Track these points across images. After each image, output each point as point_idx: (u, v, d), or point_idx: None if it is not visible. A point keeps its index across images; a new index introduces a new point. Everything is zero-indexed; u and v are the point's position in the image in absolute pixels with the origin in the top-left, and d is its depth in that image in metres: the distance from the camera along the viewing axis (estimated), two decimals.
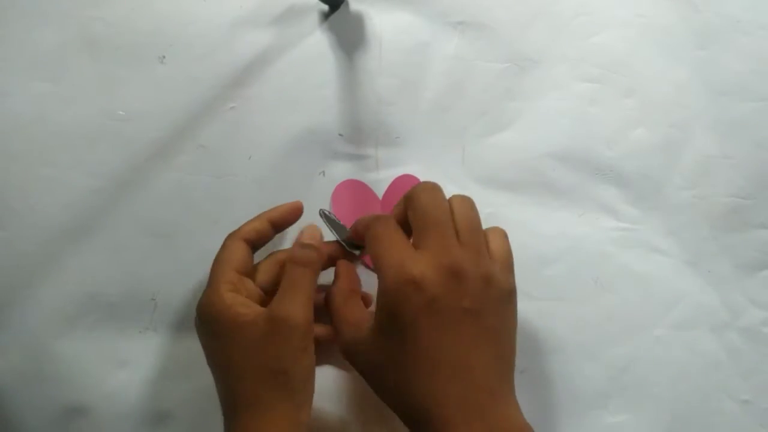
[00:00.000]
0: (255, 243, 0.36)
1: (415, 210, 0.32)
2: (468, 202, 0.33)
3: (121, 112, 0.41)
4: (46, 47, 0.41)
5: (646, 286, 0.40)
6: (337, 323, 0.35)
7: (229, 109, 0.41)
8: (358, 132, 0.42)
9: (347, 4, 0.43)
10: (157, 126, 0.41)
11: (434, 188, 0.33)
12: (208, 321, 0.33)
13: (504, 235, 0.35)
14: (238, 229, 0.36)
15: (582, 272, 0.41)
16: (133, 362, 0.38)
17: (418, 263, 0.30)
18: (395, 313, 0.30)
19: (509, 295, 0.33)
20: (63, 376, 0.38)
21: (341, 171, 0.42)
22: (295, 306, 0.32)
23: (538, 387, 0.40)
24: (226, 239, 0.36)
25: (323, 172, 0.41)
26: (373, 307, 0.35)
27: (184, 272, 0.39)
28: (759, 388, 0.40)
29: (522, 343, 0.40)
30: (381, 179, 0.42)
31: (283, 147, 0.41)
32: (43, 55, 0.41)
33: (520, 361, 0.40)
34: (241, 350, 0.32)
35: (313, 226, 0.37)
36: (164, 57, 0.42)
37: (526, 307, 0.40)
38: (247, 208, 0.40)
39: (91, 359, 0.38)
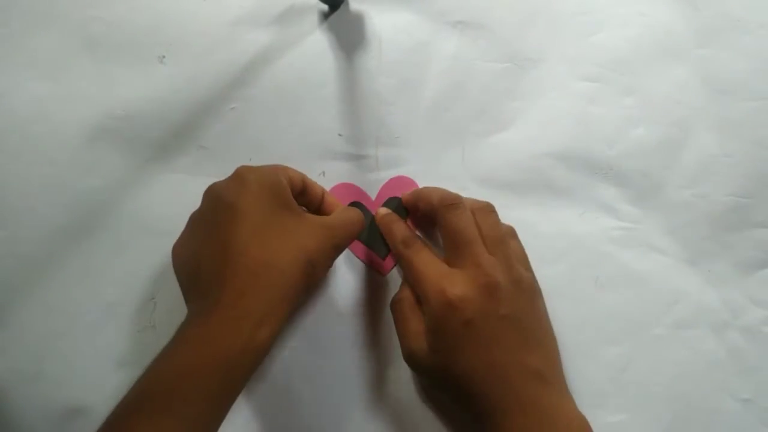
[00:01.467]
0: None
1: (446, 229, 0.36)
2: (489, 211, 0.37)
3: (120, 112, 0.41)
4: (45, 47, 0.41)
5: (645, 285, 0.40)
6: (400, 333, 0.36)
7: (229, 109, 0.41)
8: (358, 132, 0.42)
9: (347, 4, 0.43)
10: (157, 126, 0.41)
11: (458, 206, 0.36)
12: (259, 191, 0.33)
13: (515, 233, 0.38)
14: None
15: (582, 271, 0.41)
16: (133, 362, 0.38)
17: (456, 286, 0.33)
18: (440, 332, 0.33)
19: (535, 290, 0.36)
20: (63, 376, 0.38)
21: (341, 171, 0.42)
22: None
23: None
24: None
25: (323, 172, 0.41)
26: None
27: None
28: (759, 387, 0.40)
29: None
30: (381, 179, 0.42)
31: (283, 147, 0.41)
32: (42, 55, 0.41)
33: None
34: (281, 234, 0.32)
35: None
36: (164, 57, 0.42)
37: None
38: None
39: (90, 359, 0.38)
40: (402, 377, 0.39)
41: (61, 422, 0.37)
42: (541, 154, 0.42)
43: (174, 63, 0.42)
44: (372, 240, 0.41)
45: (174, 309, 0.39)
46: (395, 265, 0.41)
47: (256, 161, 0.41)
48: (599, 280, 0.41)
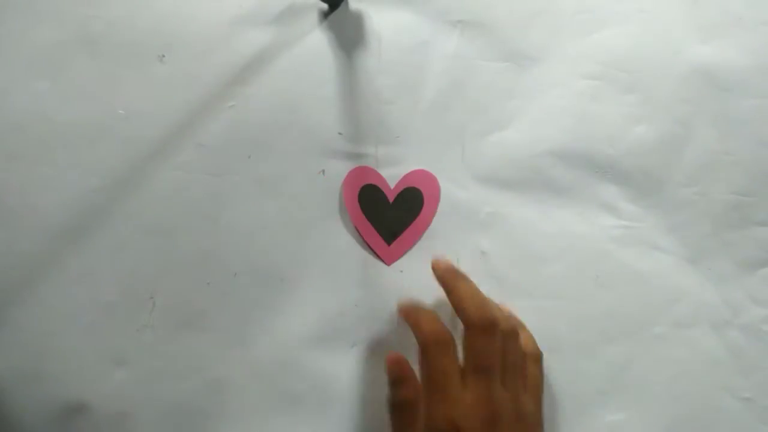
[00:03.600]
0: None
1: (470, 352, 0.35)
2: (515, 338, 0.36)
3: (120, 111, 0.41)
4: (45, 46, 0.41)
5: (646, 283, 0.40)
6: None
7: (228, 107, 0.41)
8: (358, 131, 0.42)
9: (347, 3, 0.43)
10: (157, 125, 0.41)
11: (493, 332, 0.35)
12: None
13: (537, 361, 0.38)
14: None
15: (582, 270, 0.41)
16: (132, 361, 0.38)
17: (462, 412, 0.33)
18: None
19: (537, 423, 0.36)
20: (62, 375, 0.38)
21: (341, 170, 0.42)
22: None
23: None
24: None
25: (323, 170, 0.41)
26: None
27: (183, 271, 0.40)
28: (760, 385, 0.40)
29: None
30: (384, 176, 0.42)
31: (282, 146, 0.41)
32: (42, 54, 0.41)
33: None
34: None
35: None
36: (164, 56, 0.42)
37: (526, 306, 0.40)
38: (246, 208, 0.41)
39: (89, 358, 0.38)
40: None
41: (60, 421, 0.38)
42: (542, 153, 0.42)
43: (174, 62, 0.42)
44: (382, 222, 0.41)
45: (172, 308, 0.39)
46: (402, 255, 0.41)
47: (255, 159, 0.41)
48: (599, 279, 0.41)
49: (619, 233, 0.42)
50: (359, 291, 0.40)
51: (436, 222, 0.41)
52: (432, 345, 0.35)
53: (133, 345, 0.39)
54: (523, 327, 0.39)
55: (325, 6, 0.43)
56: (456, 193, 0.42)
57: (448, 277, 0.38)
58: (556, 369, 0.40)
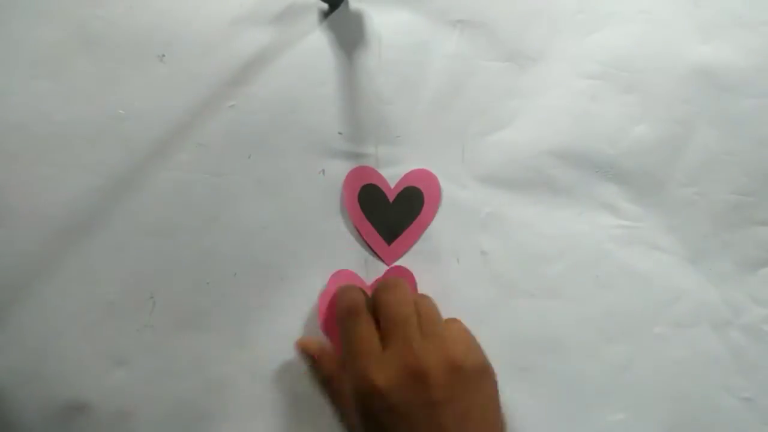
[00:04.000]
0: None
1: (380, 309, 0.35)
2: (429, 299, 0.36)
3: (120, 111, 0.41)
4: (45, 45, 0.41)
5: (646, 283, 0.40)
6: (337, 412, 0.37)
7: (228, 107, 0.41)
8: (358, 130, 0.42)
9: (347, 3, 0.43)
10: (157, 124, 0.41)
11: (397, 286, 0.35)
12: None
13: (460, 322, 0.37)
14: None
15: (582, 270, 0.41)
16: (132, 360, 0.38)
17: (381, 370, 0.32)
18: (367, 415, 0.32)
19: (480, 373, 0.34)
20: (62, 374, 0.38)
21: (341, 169, 0.42)
22: None
23: (539, 385, 0.40)
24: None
25: (323, 170, 0.41)
26: None
27: (183, 271, 0.40)
28: (760, 385, 0.40)
29: (522, 341, 0.40)
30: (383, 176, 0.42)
31: (282, 145, 0.41)
32: (42, 53, 0.41)
33: (520, 360, 0.40)
34: None
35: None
36: (164, 55, 0.42)
37: (526, 306, 0.40)
38: (246, 207, 0.41)
39: (89, 357, 0.38)
40: None
41: (60, 420, 0.38)
42: (542, 153, 0.42)
43: (174, 62, 0.42)
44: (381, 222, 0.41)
45: (172, 308, 0.39)
46: (402, 255, 0.41)
47: (255, 159, 0.41)
48: (600, 279, 0.41)
49: (620, 233, 0.42)
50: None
51: (436, 222, 0.41)
52: (345, 316, 0.36)
53: (134, 345, 0.39)
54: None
55: (325, 6, 0.43)
56: (456, 193, 0.42)
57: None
58: (556, 369, 0.40)
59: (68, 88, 0.41)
